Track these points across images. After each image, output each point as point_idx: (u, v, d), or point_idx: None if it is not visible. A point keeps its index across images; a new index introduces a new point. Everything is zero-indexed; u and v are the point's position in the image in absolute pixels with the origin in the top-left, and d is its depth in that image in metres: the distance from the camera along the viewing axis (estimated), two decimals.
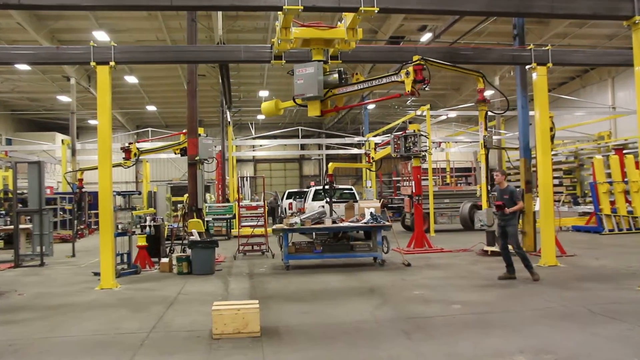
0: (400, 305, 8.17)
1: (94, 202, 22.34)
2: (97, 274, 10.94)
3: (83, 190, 22.20)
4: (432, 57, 11.77)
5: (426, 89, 8.31)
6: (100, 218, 10.39)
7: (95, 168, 13.08)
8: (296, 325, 7.10)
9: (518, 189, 10.40)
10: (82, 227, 22.23)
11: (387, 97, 9.81)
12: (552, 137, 12.86)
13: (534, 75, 11.70)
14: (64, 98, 30.76)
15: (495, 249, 13.13)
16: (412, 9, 9.45)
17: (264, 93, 31.97)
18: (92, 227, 23.69)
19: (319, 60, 8.70)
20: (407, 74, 8.21)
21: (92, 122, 37.22)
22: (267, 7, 8.65)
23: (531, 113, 13.29)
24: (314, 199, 19.59)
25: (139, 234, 12.61)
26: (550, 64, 11.50)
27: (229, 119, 27.63)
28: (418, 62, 8.25)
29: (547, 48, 11.62)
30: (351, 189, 20.70)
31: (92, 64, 10.20)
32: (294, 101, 8.89)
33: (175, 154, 15.45)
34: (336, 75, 8.79)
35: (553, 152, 17.53)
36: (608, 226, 17.96)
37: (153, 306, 8.48)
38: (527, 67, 11.85)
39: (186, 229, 13.20)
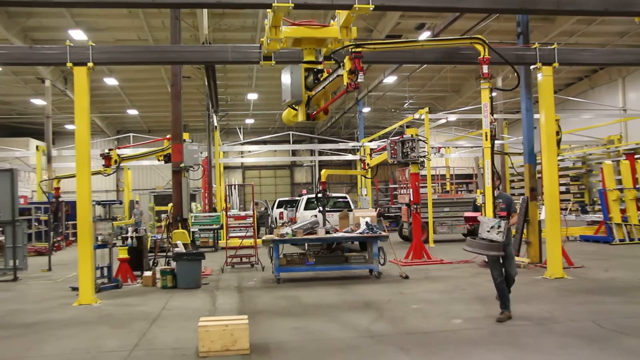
0: (398, 320, 8.22)
1: (72, 212, 22.17)
2: (75, 288, 10.92)
3: (60, 199, 22.12)
4: (430, 57, 11.89)
5: (359, 80, 7.44)
6: (78, 229, 10.43)
7: (73, 176, 13.03)
8: (287, 342, 7.14)
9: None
10: (58, 239, 22.10)
11: (337, 96, 9.19)
12: (559, 142, 12.95)
13: (539, 75, 11.82)
14: (38, 101, 30.59)
15: None
16: (410, 6, 9.56)
17: (252, 96, 32.05)
18: (70, 238, 23.58)
19: (294, 62, 8.66)
20: (343, 65, 7.62)
21: (69, 127, 37.04)
22: (256, 5, 8.71)
23: (536, 116, 13.43)
24: (306, 208, 19.63)
25: (120, 246, 12.59)
26: (556, 64, 11.63)
27: (215, 124, 27.64)
28: (351, 48, 7.58)
29: (553, 47, 11.76)
30: (345, 197, 20.75)
31: (69, 64, 10.24)
32: (292, 107, 8.92)
33: (159, 160, 15.46)
34: (312, 77, 8.54)
35: (559, 158, 17.69)
36: (619, 236, 18.08)
37: (135, 322, 8.49)
38: (531, 67, 11.98)
39: (170, 240, 13.20)
